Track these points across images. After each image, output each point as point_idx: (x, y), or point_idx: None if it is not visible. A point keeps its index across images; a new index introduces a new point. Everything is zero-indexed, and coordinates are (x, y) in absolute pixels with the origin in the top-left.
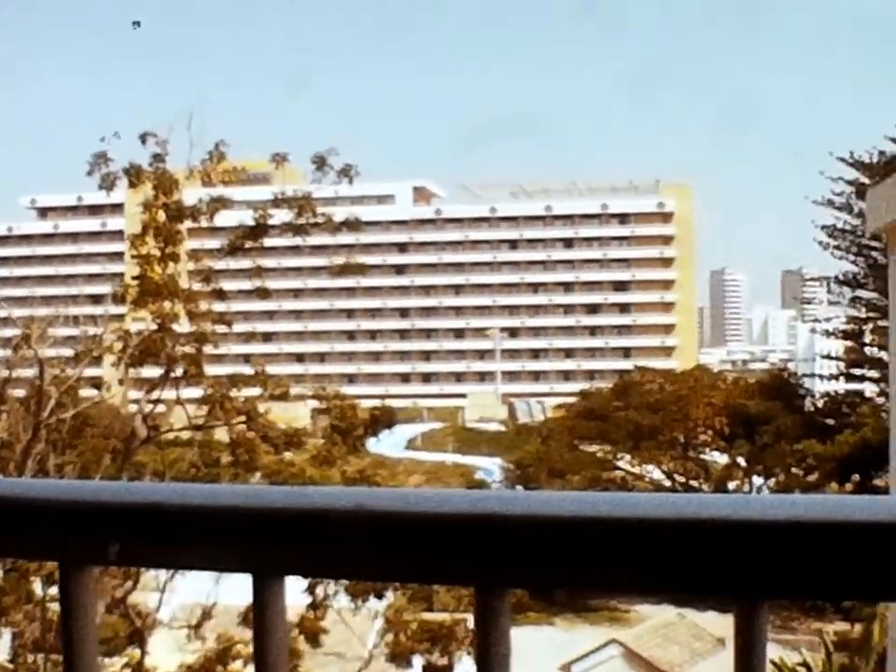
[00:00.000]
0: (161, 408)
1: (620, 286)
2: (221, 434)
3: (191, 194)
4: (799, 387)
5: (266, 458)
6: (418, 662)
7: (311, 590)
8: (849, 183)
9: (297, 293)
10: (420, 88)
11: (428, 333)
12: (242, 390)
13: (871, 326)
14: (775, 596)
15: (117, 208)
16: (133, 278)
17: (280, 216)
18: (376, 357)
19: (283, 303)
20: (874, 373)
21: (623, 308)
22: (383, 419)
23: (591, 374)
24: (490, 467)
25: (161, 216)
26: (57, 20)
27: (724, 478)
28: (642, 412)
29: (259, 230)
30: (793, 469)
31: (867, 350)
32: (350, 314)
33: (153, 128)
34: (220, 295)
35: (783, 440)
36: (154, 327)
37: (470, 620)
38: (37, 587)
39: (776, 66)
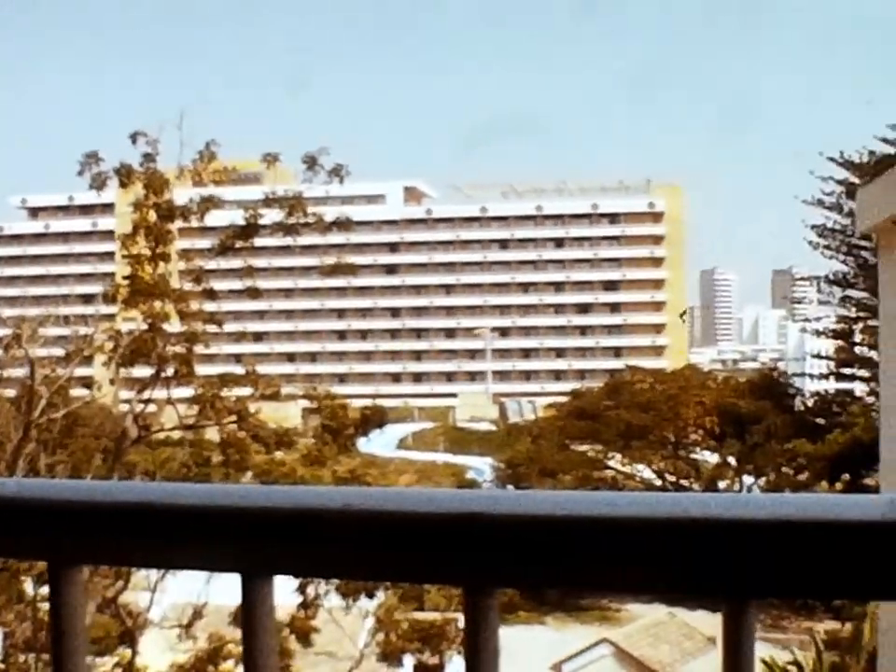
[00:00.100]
0: (151, 408)
1: (610, 285)
2: (212, 434)
3: (182, 194)
4: (789, 387)
5: (257, 458)
6: (409, 661)
7: (302, 589)
8: (839, 183)
9: (287, 293)
10: (420, 88)
11: (419, 333)
12: (232, 390)
13: (861, 325)
14: (764, 596)
15: (107, 208)
16: (124, 278)
17: (271, 215)
18: (367, 356)
19: (273, 303)
20: (864, 373)
21: (614, 308)
22: (373, 419)
23: (581, 374)
24: (481, 466)
25: (152, 215)
26: (57, 20)
27: (715, 477)
28: (633, 411)
29: (250, 229)
30: (784, 469)
31: (857, 349)
32: (341, 313)
33: (149, 128)
34: (211, 295)
35: (773, 439)
36: (145, 326)
37: (461, 619)
38: (28, 587)
39: (776, 66)
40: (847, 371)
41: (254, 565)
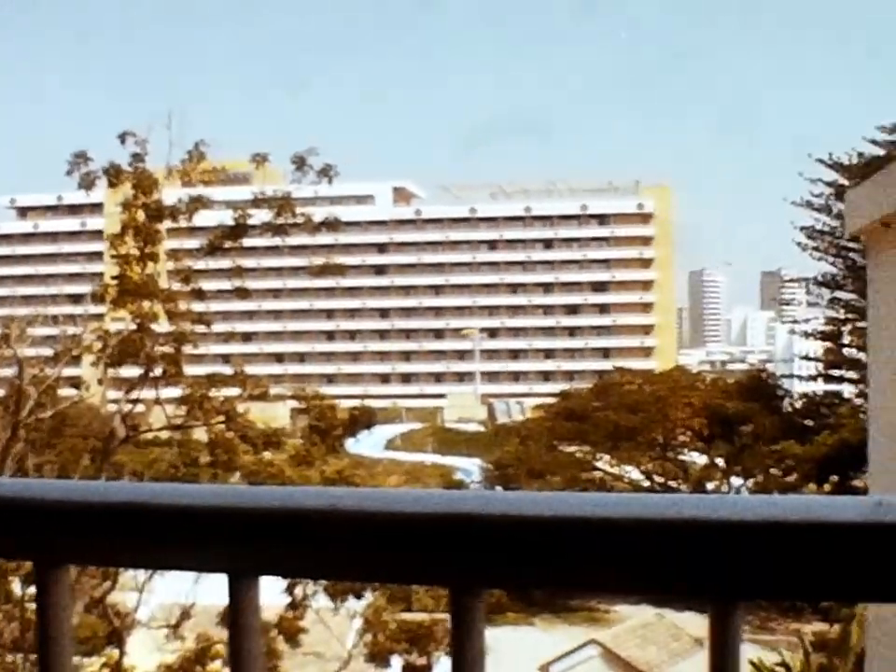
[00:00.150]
0: (140, 408)
1: (599, 286)
2: (200, 434)
3: (171, 194)
4: (778, 388)
5: (245, 458)
6: (397, 662)
7: (290, 590)
8: (828, 185)
9: (276, 293)
10: (420, 88)
11: (408, 334)
12: (221, 390)
13: (849, 327)
14: (752, 597)
15: (96, 208)
16: (113, 278)
17: (259, 216)
18: (355, 357)
19: (262, 303)
20: (852, 374)
21: (603, 309)
22: (362, 419)
23: (570, 375)
24: (469, 467)
25: (141, 215)
26: (57, 20)
27: (703, 478)
28: (621, 412)
29: (239, 230)
30: (772, 470)
31: (846, 351)
32: (329, 314)
33: (139, 128)
34: (199, 295)
35: (762, 440)
36: (133, 326)
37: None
38: (16, 587)
39: (776, 66)
40: (835, 372)
41: (241, 565)
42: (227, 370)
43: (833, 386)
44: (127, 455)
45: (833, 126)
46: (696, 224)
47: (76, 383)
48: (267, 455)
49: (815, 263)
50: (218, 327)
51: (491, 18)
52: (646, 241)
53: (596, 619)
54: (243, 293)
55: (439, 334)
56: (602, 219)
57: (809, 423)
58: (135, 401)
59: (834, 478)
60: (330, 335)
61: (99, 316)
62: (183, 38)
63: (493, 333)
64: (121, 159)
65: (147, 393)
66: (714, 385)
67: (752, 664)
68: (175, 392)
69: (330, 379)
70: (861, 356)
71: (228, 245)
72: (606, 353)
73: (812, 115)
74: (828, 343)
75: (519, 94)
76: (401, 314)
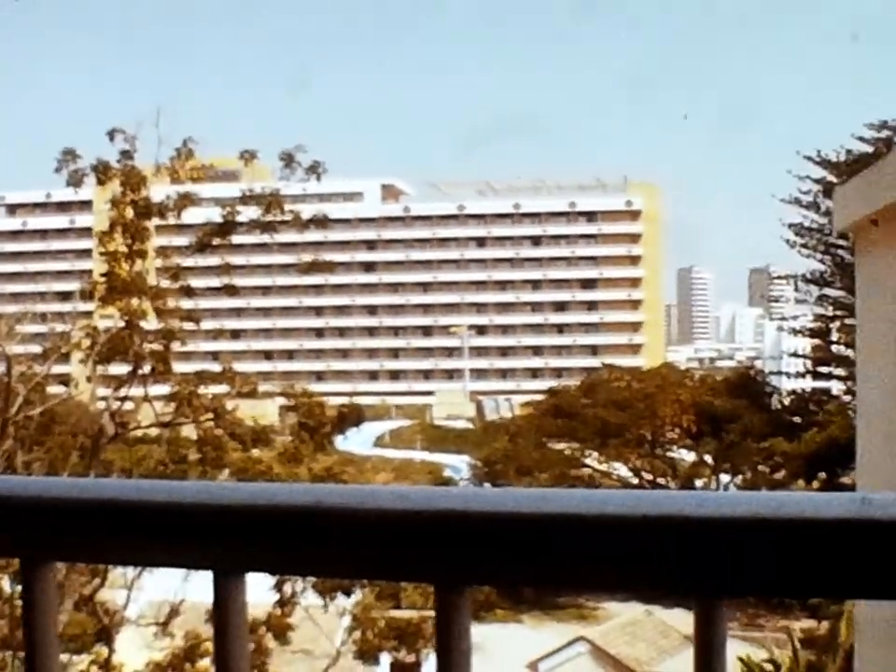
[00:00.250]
0: (128, 405)
1: (588, 283)
2: (189, 431)
3: (159, 191)
4: (766, 385)
5: (234, 455)
6: (386, 659)
7: (279, 587)
8: (817, 182)
9: (265, 290)
10: (419, 88)
11: (396, 331)
12: (210, 387)
13: (838, 324)
14: (739, 594)
15: (85, 205)
16: (102, 275)
17: (248, 213)
18: (344, 354)
19: (251, 300)
20: (840, 371)
21: (591, 306)
22: (351, 417)
23: (559, 372)
24: (458, 464)
25: (129, 212)
26: (57, 20)
27: (691, 475)
28: (610, 409)
29: (227, 226)
30: (760, 467)
31: (834, 348)
32: (318, 311)
33: (128, 125)
34: (188, 292)
35: (750, 437)
36: (122, 324)
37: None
38: (5, 584)
39: (776, 66)
40: (823, 369)
41: (226, 562)
42: (216, 367)
43: (821, 383)
44: (116, 453)
45: (824, 124)
46: (685, 221)
47: (64, 380)
48: (256, 452)
49: (803, 260)
50: (207, 324)
51: (491, 18)
52: (634, 238)
53: (585, 616)
54: (231, 290)
55: (427, 331)
56: (590, 216)
57: (797, 420)
58: (124, 399)
59: (822, 475)
60: (319, 332)
61: (88, 314)
62: (183, 38)
63: (481, 330)
64: (110, 156)
65: (136, 390)
66: (702, 383)
67: (741, 660)
68: (163, 389)
69: (319, 376)
70: (850, 352)
71: (216, 241)
72: (594, 350)
73: (805, 113)
74: (816, 340)
75: (518, 94)
76: (390, 310)
